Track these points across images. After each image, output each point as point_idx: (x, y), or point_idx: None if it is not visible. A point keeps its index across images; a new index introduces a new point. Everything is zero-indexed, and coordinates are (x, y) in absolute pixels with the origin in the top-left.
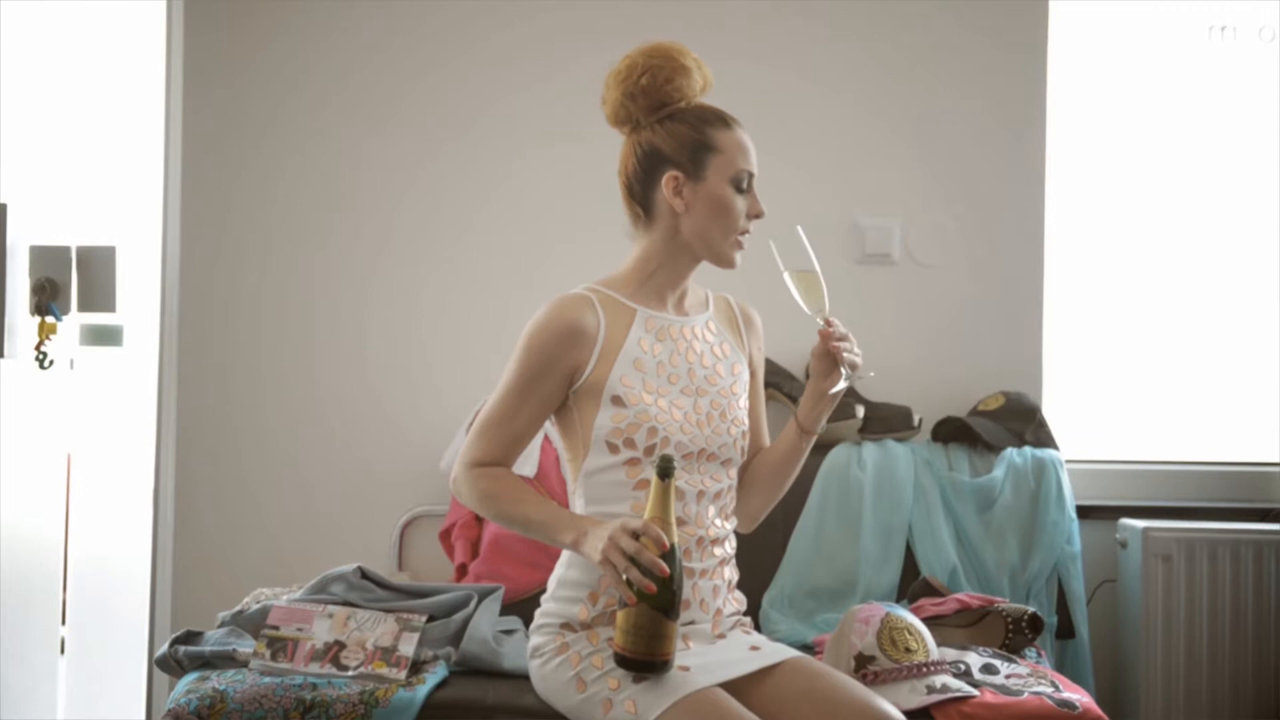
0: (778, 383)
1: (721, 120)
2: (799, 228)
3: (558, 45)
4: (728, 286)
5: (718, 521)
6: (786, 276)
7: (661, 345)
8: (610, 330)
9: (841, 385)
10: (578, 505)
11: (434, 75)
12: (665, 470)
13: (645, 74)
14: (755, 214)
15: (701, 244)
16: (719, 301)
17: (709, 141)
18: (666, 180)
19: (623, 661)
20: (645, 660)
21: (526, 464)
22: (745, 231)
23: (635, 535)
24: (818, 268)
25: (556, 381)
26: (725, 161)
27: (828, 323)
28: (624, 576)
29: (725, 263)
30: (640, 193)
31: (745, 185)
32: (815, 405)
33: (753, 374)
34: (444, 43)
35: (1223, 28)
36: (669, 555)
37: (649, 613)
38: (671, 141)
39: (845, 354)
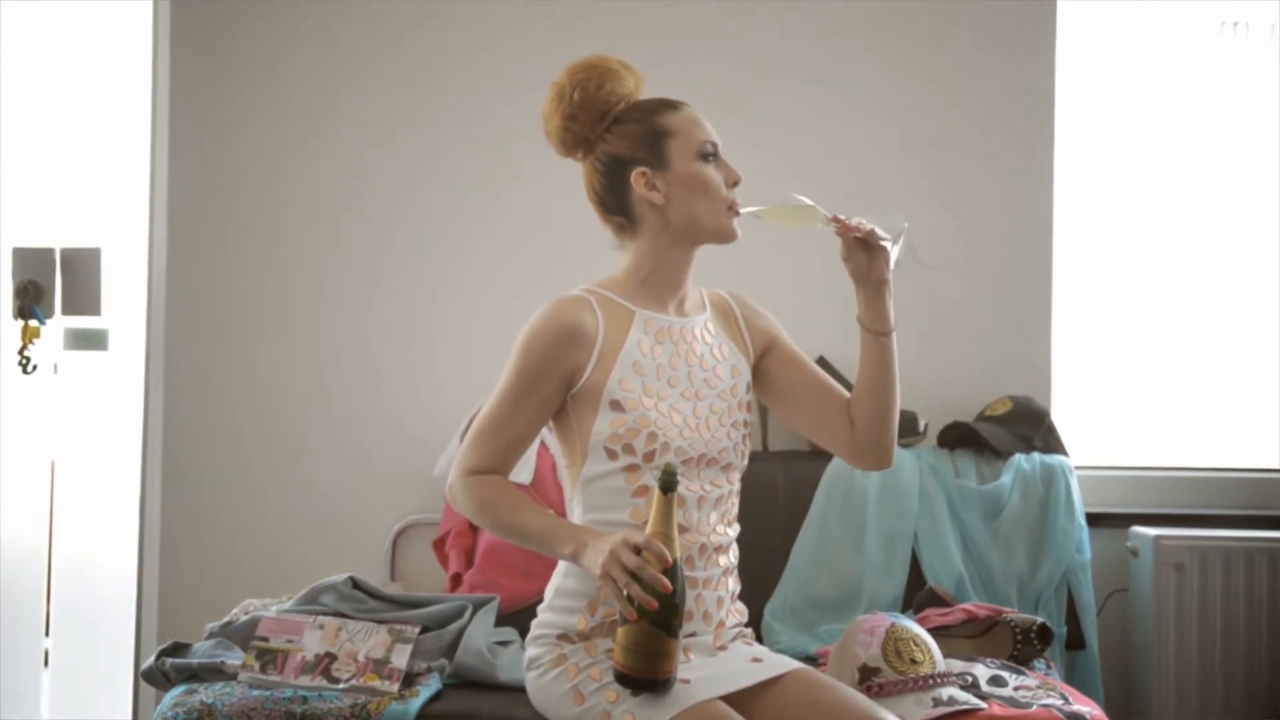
0: None
1: (666, 105)
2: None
3: (559, 47)
4: (737, 288)
5: (720, 527)
6: (767, 219)
7: (661, 348)
8: (609, 332)
9: (894, 256)
10: (576, 513)
11: (433, 76)
12: (668, 484)
13: (576, 89)
14: (733, 180)
15: (694, 226)
16: (712, 298)
17: (661, 128)
18: (635, 178)
19: (622, 679)
20: (645, 678)
21: (523, 471)
22: (733, 202)
23: (637, 550)
24: (796, 197)
25: (554, 385)
26: (684, 141)
27: (836, 219)
28: (625, 592)
29: (725, 235)
30: (615, 203)
31: (712, 156)
32: (873, 300)
33: (778, 342)
34: (444, 43)
35: (1234, 23)
36: (671, 571)
37: (650, 629)
38: (626, 142)
39: (877, 230)
